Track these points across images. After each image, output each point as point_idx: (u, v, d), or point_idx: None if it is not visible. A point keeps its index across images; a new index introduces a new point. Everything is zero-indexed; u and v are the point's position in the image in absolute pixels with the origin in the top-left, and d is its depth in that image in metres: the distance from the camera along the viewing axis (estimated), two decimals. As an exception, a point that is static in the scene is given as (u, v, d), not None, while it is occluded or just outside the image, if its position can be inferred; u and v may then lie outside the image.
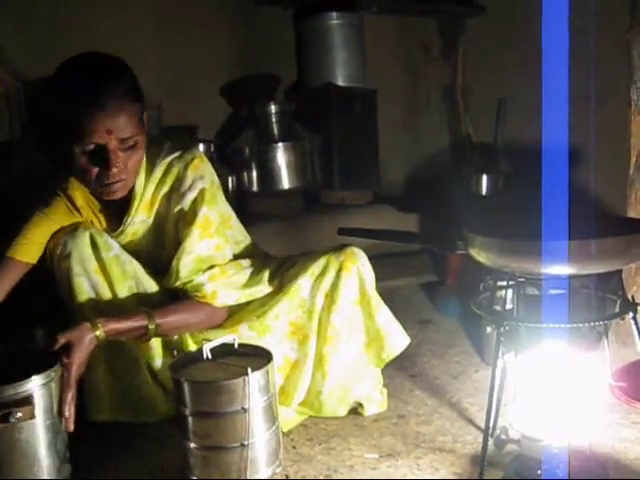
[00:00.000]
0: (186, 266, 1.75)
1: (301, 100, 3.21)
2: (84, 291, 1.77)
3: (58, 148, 1.67)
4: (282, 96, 3.40)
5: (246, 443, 1.51)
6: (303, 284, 1.78)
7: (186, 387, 1.52)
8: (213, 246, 1.78)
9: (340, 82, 3.23)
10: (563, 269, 1.30)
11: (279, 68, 3.40)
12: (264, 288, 1.83)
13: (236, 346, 1.66)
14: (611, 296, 1.44)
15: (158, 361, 1.83)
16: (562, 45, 1.47)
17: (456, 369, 2.18)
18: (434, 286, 2.90)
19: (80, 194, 1.82)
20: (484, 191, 3.15)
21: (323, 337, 1.79)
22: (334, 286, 1.76)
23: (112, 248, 1.80)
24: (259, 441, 1.53)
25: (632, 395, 1.81)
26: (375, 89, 3.31)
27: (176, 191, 1.80)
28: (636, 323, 1.43)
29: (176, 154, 1.83)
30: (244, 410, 1.50)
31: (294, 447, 1.74)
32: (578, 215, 1.35)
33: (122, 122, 1.61)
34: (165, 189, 1.82)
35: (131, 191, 1.78)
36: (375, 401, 1.88)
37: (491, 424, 1.51)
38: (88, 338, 1.57)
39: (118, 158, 1.64)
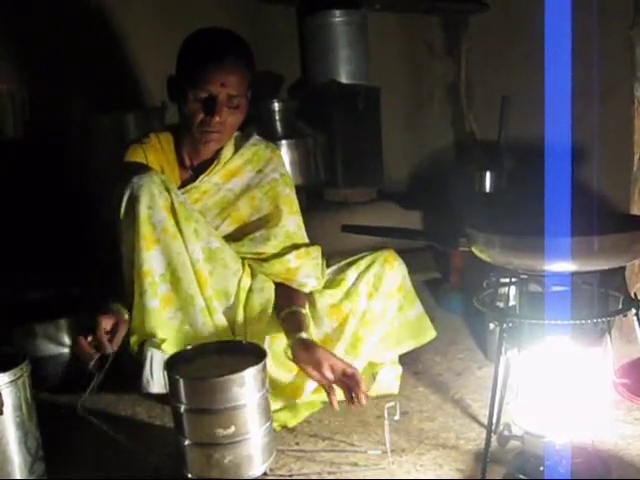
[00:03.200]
0: (276, 237, 1.94)
1: (304, 97, 3.21)
2: (148, 224, 1.77)
3: (177, 94, 1.89)
4: (285, 93, 3.41)
5: (241, 439, 1.52)
6: (350, 275, 1.97)
7: (181, 384, 1.52)
8: (297, 224, 2.00)
9: (343, 79, 3.24)
10: (566, 266, 1.30)
11: (282, 65, 3.40)
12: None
13: (231, 344, 1.69)
14: (614, 293, 1.44)
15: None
16: (565, 42, 1.47)
17: (459, 366, 2.19)
18: (437, 283, 2.90)
19: (153, 152, 1.96)
20: (487, 188, 3.15)
21: (361, 321, 1.94)
22: (378, 277, 1.95)
23: (179, 195, 1.86)
24: (254, 437, 1.54)
25: (635, 392, 1.81)
26: (378, 86, 3.31)
27: (261, 172, 1.99)
28: (639, 320, 1.43)
29: (263, 143, 2.05)
30: (239, 407, 1.51)
31: (297, 444, 1.75)
32: (581, 212, 1.35)
33: (235, 80, 1.83)
34: (250, 167, 1.99)
35: (215, 156, 1.96)
36: (388, 375, 1.99)
37: (494, 421, 1.51)
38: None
39: (223, 110, 1.84)
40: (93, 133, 2.75)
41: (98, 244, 1.95)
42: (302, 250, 1.95)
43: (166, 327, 1.81)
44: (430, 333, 2.03)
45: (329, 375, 1.68)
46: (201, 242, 1.85)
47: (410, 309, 2.00)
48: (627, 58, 2.09)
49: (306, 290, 1.96)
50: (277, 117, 3.04)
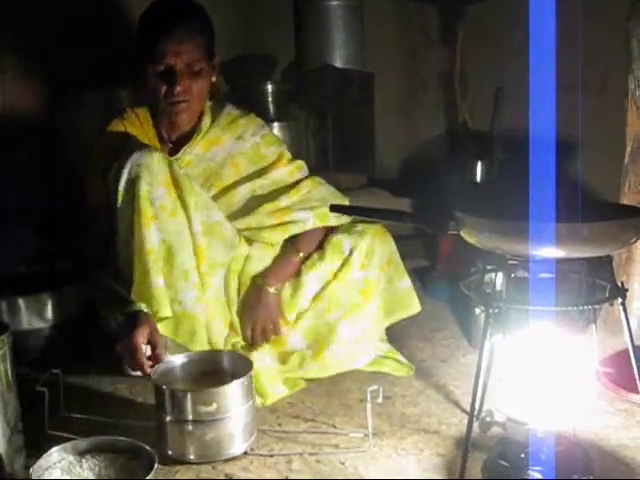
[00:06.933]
0: (263, 187, 2.00)
1: (298, 80, 3.19)
2: (147, 201, 1.78)
3: (139, 72, 1.90)
4: (279, 76, 3.38)
5: (223, 417, 1.52)
6: (344, 242, 1.99)
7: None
8: (288, 172, 2.04)
9: (338, 64, 3.21)
10: (554, 252, 1.30)
11: (277, 48, 3.37)
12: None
13: None
14: (601, 281, 1.43)
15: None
16: (553, 34, 1.46)
17: (444, 353, 2.19)
18: (425, 271, 2.89)
19: (133, 127, 1.97)
20: (478, 178, 3.14)
21: (357, 290, 1.99)
22: (370, 250, 1.98)
23: (181, 168, 1.89)
24: (236, 415, 1.54)
25: (619, 383, 1.82)
26: (373, 72, 3.29)
27: (240, 138, 2.02)
28: (625, 310, 1.43)
29: (237, 110, 2.07)
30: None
31: (279, 424, 1.75)
32: (572, 201, 1.35)
33: (189, 47, 1.85)
34: (229, 135, 2.01)
35: (195, 127, 1.98)
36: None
37: (477, 406, 1.51)
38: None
39: (183, 78, 1.86)
40: (85, 108, 2.72)
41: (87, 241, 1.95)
42: (293, 189, 2.00)
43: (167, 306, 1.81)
44: (415, 306, 2.06)
45: (248, 333, 1.94)
46: (200, 215, 1.86)
47: (399, 281, 2.02)
48: (622, 51, 2.08)
49: (307, 227, 1.98)
50: (270, 99, 3.02)
